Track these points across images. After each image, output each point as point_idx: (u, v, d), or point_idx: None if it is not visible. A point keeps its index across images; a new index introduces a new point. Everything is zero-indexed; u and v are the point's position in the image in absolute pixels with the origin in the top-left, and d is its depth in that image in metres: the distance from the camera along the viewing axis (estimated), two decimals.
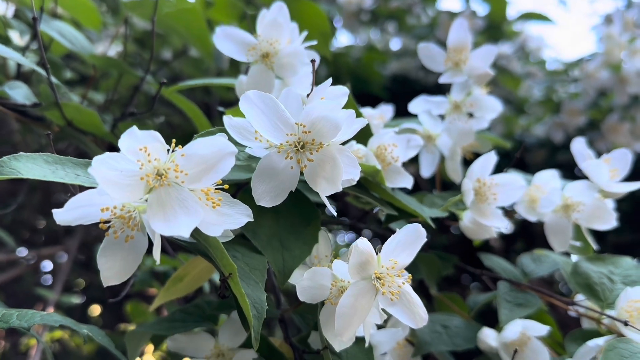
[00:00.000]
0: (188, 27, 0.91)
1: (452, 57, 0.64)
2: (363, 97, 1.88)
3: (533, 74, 1.52)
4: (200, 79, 0.64)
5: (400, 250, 0.44)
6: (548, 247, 0.65)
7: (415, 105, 0.67)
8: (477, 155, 0.71)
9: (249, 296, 0.41)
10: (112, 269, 0.38)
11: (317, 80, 0.57)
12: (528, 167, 1.97)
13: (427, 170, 0.70)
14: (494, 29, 1.45)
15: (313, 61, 0.54)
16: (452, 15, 1.40)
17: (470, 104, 0.66)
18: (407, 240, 0.44)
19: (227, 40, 0.56)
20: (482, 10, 1.48)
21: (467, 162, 0.71)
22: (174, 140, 0.37)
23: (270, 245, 0.48)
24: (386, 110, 0.79)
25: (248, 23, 1.08)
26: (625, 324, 0.51)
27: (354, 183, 0.48)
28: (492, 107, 0.67)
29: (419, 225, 0.44)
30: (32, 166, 0.37)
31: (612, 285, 0.60)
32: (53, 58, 0.95)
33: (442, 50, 0.65)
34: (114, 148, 0.36)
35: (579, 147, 0.58)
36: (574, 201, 0.58)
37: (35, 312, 0.45)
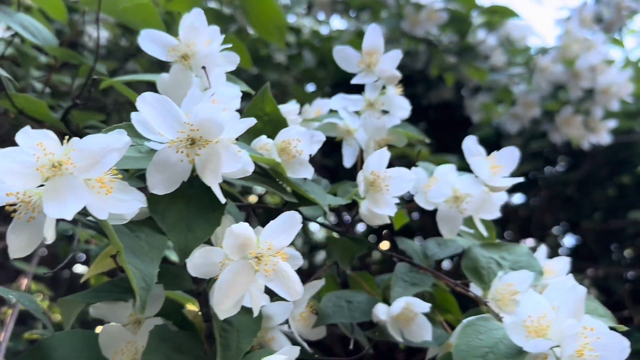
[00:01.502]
0: (145, 22, 0.97)
1: (365, 59, 0.70)
2: (346, 83, 1.92)
3: (497, 67, 1.57)
4: (130, 75, 0.70)
5: (278, 234, 0.50)
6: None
7: (335, 102, 0.74)
8: (390, 147, 0.78)
9: (141, 271, 0.48)
10: (18, 244, 0.45)
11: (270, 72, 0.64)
12: None
13: (348, 161, 0.76)
14: (459, 22, 1.50)
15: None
16: (418, 8, 1.44)
17: (383, 102, 0.72)
18: (284, 226, 0.51)
19: (151, 41, 0.62)
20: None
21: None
22: (66, 137, 0.44)
23: (177, 227, 0.55)
24: (323, 104, 0.86)
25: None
26: (485, 304, 0.58)
27: (249, 174, 0.55)
28: (402, 106, 0.73)
29: (295, 212, 0.50)
30: None
31: (499, 270, 0.67)
32: (23, 49, 1.02)
33: (357, 52, 0.71)
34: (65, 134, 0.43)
35: (470, 145, 0.65)
36: (463, 193, 0.64)
37: None
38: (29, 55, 1.03)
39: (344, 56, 0.71)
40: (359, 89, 0.73)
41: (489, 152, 2.10)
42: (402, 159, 1.77)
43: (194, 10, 0.62)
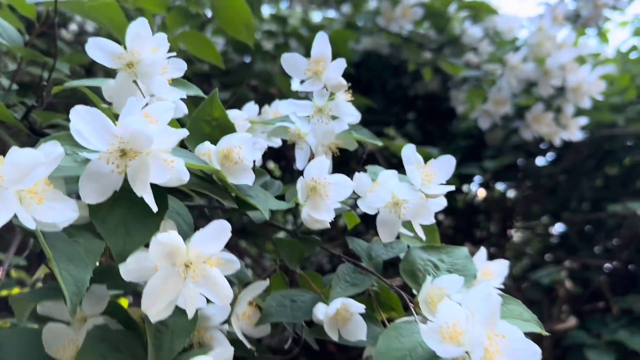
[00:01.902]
0: (111, 21, 0.99)
1: (312, 67, 0.72)
2: None
3: (471, 63, 1.58)
4: (85, 80, 0.72)
5: (207, 242, 0.53)
6: None
7: (285, 106, 0.76)
8: (342, 150, 0.80)
9: (74, 276, 0.51)
10: None
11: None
12: (486, 146, 2.05)
13: (300, 163, 0.78)
14: (436, 17, 1.51)
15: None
16: (394, 3, 1.45)
17: (331, 108, 0.74)
18: (213, 234, 0.53)
19: (98, 49, 0.64)
20: None
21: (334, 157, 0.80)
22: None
23: (115, 232, 0.57)
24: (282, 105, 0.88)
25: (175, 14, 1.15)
26: (410, 300, 0.61)
27: (184, 182, 0.57)
28: (350, 113, 0.75)
29: (224, 221, 0.53)
30: None
31: (436, 272, 0.70)
32: None
33: (305, 59, 0.73)
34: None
35: (408, 153, 0.67)
36: (401, 199, 0.67)
37: None
38: None
39: (292, 63, 0.73)
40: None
41: (473, 144, 2.11)
42: (384, 150, 1.79)
43: (139, 20, 0.64)
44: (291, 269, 0.76)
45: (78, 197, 0.55)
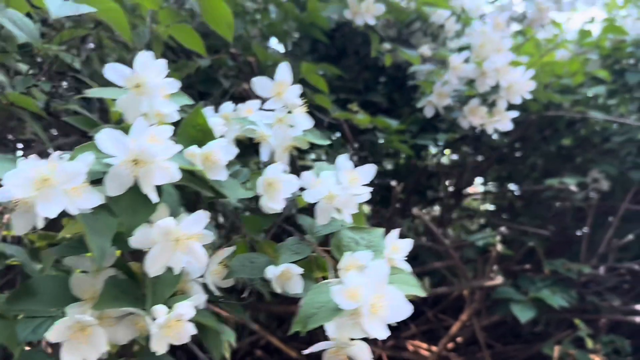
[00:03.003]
0: (115, 22, 1.17)
1: (275, 89, 0.94)
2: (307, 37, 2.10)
3: (424, 55, 1.79)
4: (100, 89, 0.93)
5: (191, 225, 0.77)
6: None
7: (254, 116, 0.98)
8: (297, 149, 1.03)
9: (98, 245, 0.75)
10: (18, 225, 0.71)
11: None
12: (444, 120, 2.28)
13: (264, 156, 1.02)
14: (397, 11, 1.70)
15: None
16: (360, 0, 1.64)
17: (289, 119, 0.97)
18: (195, 220, 0.77)
19: (114, 72, 0.85)
20: None
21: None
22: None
23: (126, 211, 0.81)
24: (254, 105, 1.10)
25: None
26: (337, 271, 0.87)
27: (176, 180, 0.80)
28: (304, 123, 0.98)
29: (204, 212, 0.77)
30: None
31: (357, 247, 0.95)
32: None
33: (271, 82, 0.95)
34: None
35: (341, 161, 0.91)
36: (334, 194, 0.91)
37: None
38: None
39: (261, 84, 0.95)
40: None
41: (431, 121, 2.30)
42: (347, 121, 2.01)
43: (146, 52, 0.85)
44: (253, 238, 1.01)
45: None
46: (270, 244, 1.04)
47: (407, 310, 0.78)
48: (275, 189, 0.90)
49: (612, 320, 2.32)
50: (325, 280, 0.85)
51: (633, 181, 2.35)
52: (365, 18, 1.62)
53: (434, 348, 2.32)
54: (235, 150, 0.89)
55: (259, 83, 0.94)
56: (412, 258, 0.95)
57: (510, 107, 1.64)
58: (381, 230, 0.99)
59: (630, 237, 2.44)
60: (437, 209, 3.02)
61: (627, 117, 2.48)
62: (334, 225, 1.01)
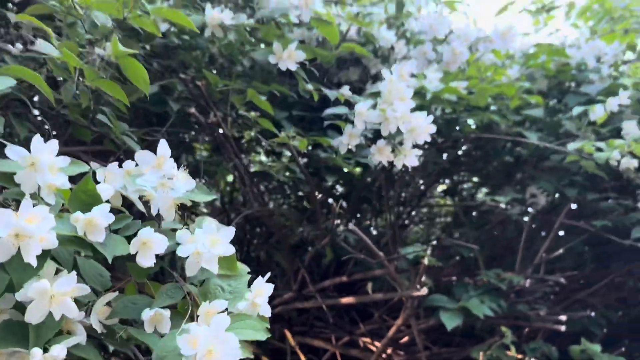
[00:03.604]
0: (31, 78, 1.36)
1: (155, 162, 1.13)
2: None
3: (345, 96, 1.93)
4: None
5: (62, 285, 0.97)
6: None
7: (140, 180, 1.17)
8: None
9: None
10: None
11: None
12: None
13: (153, 212, 1.21)
14: (320, 56, 1.87)
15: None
16: (285, 45, 1.80)
17: (172, 184, 1.16)
18: (67, 282, 0.97)
19: (12, 153, 1.04)
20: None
21: None
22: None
23: (15, 271, 1.00)
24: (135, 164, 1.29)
25: None
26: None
27: (56, 246, 1.00)
28: (186, 186, 1.17)
29: (73, 274, 0.97)
30: None
31: (221, 294, 1.15)
32: None
33: (154, 156, 1.14)
34: None
35: (206, 227, 1.10)
36: (201, 252, 1.11)
37: None
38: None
39: (143, 159, 1.13)
40: None
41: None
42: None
43: (38, 137, 1.03)
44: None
45: None
46: (155, 285, 1.23)
47: (238, 355, 0.98)
48: (148, 247, 1.09)
49: (541, 328, 2.51)
50: (188, 324, 1.04)
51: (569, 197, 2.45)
52: (287, 64, 1.78)
53: (377, 343, 2.51)
54: (112, 218, 1.07)
55: (141, 156, 1.13)
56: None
57: (450, 129, 1.82)
58: (246, 277, 1.19)
59: (561, 251, 2.61)
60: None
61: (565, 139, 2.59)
62: (207, 273, 1.21)
